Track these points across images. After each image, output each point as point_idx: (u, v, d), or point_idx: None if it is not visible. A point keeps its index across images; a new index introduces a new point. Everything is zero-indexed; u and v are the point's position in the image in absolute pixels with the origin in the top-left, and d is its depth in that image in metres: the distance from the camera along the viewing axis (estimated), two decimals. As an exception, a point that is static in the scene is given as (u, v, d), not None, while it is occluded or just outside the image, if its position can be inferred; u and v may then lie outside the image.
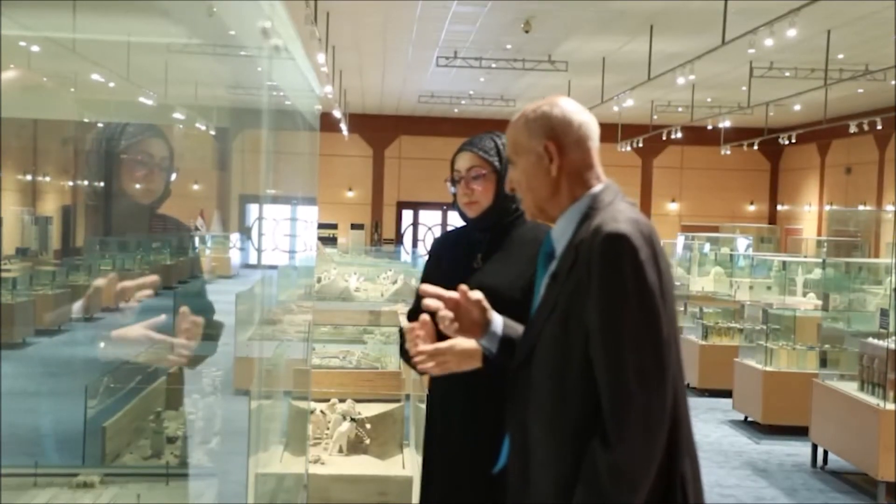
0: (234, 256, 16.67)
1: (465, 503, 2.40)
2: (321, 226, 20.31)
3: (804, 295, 9.30)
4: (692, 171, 23.88)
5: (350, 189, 23.86)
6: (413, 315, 2.59)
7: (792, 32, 8.54)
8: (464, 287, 2.06)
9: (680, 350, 1.87)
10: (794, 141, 18.60)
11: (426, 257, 2.67)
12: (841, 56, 12.41)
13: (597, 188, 1.94)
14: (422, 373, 2.45)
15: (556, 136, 1.93)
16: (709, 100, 17.36)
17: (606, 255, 1.77)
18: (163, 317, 2.22)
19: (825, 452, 6.55)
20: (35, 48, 2.74)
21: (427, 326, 2.14)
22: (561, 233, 1.94)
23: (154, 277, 2.23)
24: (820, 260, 9.58)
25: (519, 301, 2.18)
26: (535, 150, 1.94)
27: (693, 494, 1.83)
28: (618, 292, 1.75)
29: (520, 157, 1.97)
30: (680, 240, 14.16)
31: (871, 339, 6.10)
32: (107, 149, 2.39)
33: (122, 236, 2.63)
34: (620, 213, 1.84)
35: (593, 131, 1.97)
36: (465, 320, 2.06)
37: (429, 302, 2.03)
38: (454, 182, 2.49)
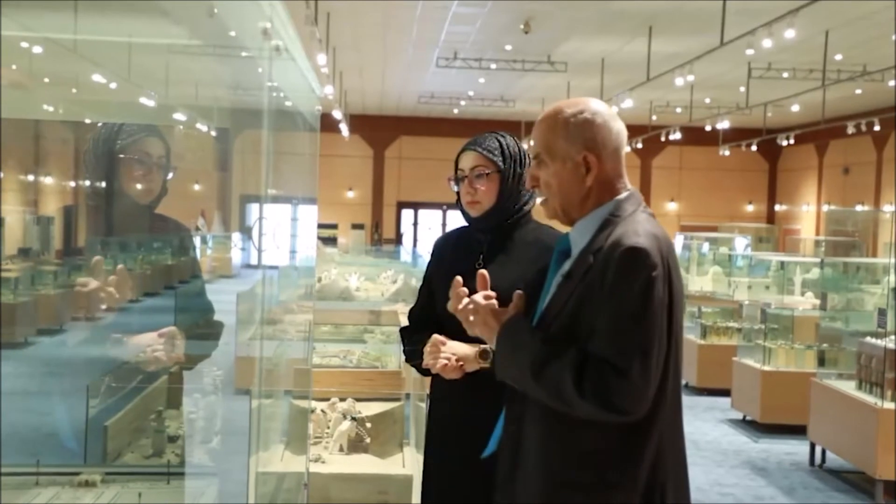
0: (235, 256, 16.68)
1: (463, 499, 2.42)
2: (321, 226, 20.30)
3: (802, 294, 9.32)
4: (691, 171, 23.90)
5: (350, 189, 23.88)
6: (414, 315, 2.62)
7: (790, 33, 8.55)
8: (483, 272, 2.10)
9: (680, 364, 1.91)
10: (792, 141, 18.63)
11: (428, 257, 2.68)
12: (839, 57, 12.43)
13: (622, 195, 1.95)
14: (427, 375, 2.49)
15: (597, 146, 1.92)
16: (707, 100, 17.37)
17: (623, 267, 1.80)
18: (174, 328, 2.24)
19: (823, 451, 6.57)
20: (37, 49, 2.75)
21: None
22: (579, 234, 1.95)
23: (126, 283, 2.22)
24: (818, 260, 9.60)
25: None
26: (573, 157, 1.92)
27: None
28: (624, 305, 1.79)
29: (553, 161, 1.94)
30: (679, 240, 14.17)
31: (868, 339, 6.12)
32: (104, 149, 2.39)
33: (121, 236, 2.64)
34: (641, 227, 1.87)
35: (625, 138, 1.98)
36: None
37: (461, 290, 2.06)
38: (457, 181, 2.51)
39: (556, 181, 1.94)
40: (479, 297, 2.03)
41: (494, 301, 2.02)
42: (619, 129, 1.96)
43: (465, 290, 2.04)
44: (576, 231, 1.96)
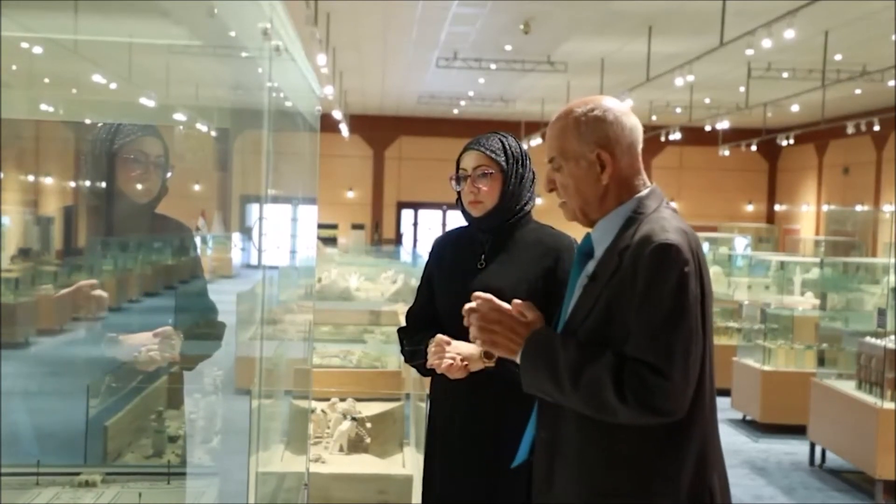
0: (235, 256, 16.71)
1: (466, 497, 2.42)
2: (322, 226, 20.32)
3: (802, 294, 9.31)
4: (691, 171, 23.92)
5: (350, 189, 23.89)
6: (413, 315, 2.61)
7: (790, 33, 8.56)
8: (518, 302, 1.98)
9: (713, 359, 1.86)
10: (792, 141, 18.65)
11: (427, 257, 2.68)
12: (839, 57, 12.43)
13: (643, 192, 1.91)
14: (428, 375, 2.49)
15: (610, 143, 1.89)
16: (707, 100, 17.38)
17: (655, 265, 1.76)
18: (169, 328, 2.24)
19: (823, 451, 6.58)
20: (37, 49, 2.76)
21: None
22: (602, 234, 1.91)
23: (102, 297, 2.22)
24: (818, 260, 9.60)
25: None
26: (587, 157, 1.89)
27: None
28: (659, 304, 1.75)
29: (567, 162, 1.91)
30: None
31: (868, 339, 6.12)
32: (102, 149, 2.40)
33: (121, 236, 2.64)
34: (668, 223, 1.83)
35: (640, 134, 1.94)
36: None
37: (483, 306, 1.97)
38: (459, 180, 2.51)
39: (572, 182, 1.91)
40: (489, 312, 1.94)
41: (519, 318, 1.94)
42: (633, 124, 1.92)
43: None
44: (598, 231, 1.92)
